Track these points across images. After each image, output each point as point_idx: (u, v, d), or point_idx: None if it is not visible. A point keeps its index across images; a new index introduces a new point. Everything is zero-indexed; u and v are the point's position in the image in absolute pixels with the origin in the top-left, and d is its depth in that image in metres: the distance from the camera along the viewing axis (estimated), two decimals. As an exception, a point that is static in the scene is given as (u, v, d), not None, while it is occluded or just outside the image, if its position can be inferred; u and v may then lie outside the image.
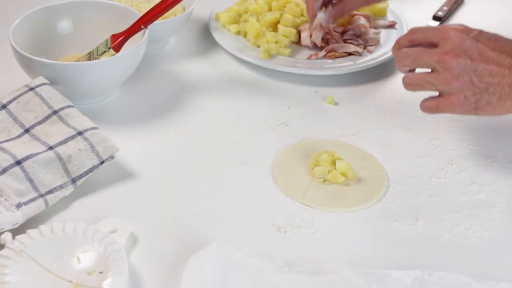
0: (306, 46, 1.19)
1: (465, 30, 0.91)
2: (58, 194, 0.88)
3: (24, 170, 0.88)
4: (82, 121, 0.95)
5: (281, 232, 0.86)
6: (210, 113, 1.07)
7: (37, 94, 0.97)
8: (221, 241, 0.81)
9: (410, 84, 0.94)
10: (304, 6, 1.23)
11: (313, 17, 1.15)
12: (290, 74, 1.14)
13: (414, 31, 0.95)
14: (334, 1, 1.16)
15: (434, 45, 0.92)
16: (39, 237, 0.79)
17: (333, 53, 1.17)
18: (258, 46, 1.18)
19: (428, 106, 0.94)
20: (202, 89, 1.12)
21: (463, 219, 0.89)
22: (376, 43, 1.20)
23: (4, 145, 0.91)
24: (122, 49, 1.06)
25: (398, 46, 0.96)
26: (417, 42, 0.94)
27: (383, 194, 0.92)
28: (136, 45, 1.04)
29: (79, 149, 0.91)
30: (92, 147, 0.92)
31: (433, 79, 0.91)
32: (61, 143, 0.92)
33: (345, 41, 1.19)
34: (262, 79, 1.15)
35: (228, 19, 1.23)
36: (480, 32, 0.91)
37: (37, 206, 0.86)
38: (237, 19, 1.24)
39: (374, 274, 0.78)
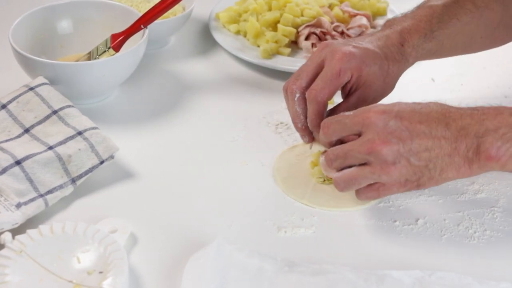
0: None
1: (385, 110, 0.82)
2: (58, 194, 0.88)
3: (24, 170, 0.88)
4: (82, 121, 0.95)
5: (281, 231, 0.86)
6: (210, 112, 1.07)
7: (37, 94, 0.97)
8: (221, 241, 0.81)
9: (346, 186, 0.85)
10: (303, 6, 1.23)
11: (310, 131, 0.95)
12: (290, 73, 1.14)
13: (327, 123, 0.86)
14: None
15: (356, 135, 0.84)
16: (39, 237, 0.79)
17: None
18: (258, 46, 1.18)
19: (367, 196, 0.85)
20: (202, 88, 1.12)
21: (464, 219, 0.89)
22: (376, 42, 1.20)
23: (4, 145, 0.91)
24: (122, 49, 1.06)
25: (322, 144, 0.90)
26: (335, 135, 0.86)
27: (383, 194, 0.92)
28: (136, 45, 1.04)
29: (79, 149, 0.91)
30: (92, 147, 0.92)
31: (368, 173, 0.82)
32: (61, 143, 0.92)
33: (345, 40, 1.19)
34: (262, 79, 1.15)
35: (228, 18, 1.23)
36: (399, 106, 0.83)
37: (37, 206, 0.86)
38: (237, 18, 1.23)
39: (375, 274, 0.78)
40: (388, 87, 0.96)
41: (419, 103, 0.84)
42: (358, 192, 0.86)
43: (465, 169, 0.82)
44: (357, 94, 0.93)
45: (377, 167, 0.81)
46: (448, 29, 0.98)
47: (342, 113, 0.87)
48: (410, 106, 0.84)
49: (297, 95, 0.92)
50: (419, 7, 1.00)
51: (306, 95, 0.91)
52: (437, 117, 0.82)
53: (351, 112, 0.85)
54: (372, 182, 0.84)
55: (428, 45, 0.97)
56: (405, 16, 0.99)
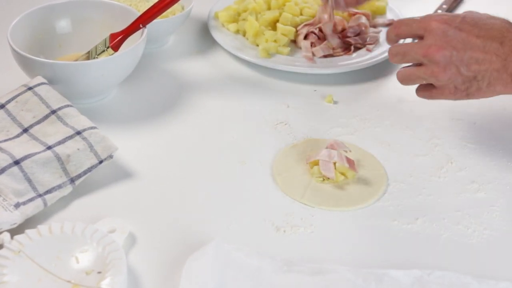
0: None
1: (448, 20, 0.91)
2: (57, 194, 0.88)
3: (22, 170, 0.88)
4: (80, 121, 0.94)
5: (280, 231, 0.86)
6: (209, 112, 1.07)
7: (36, 94, 0.97)
8: (220, 241, 0.81)
9: (403, 80, 0.96)
10: (303, 5, 1.23)
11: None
12: (289, 73, 1.14)
13: (398, 24, 0.96)
14: None
15: (420, 37, 0.93)
16: (38, 237, 0.79)
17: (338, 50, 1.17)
18: (257, 45, 1.18)
19: (422, 95, 0.96)
20: (201, 88, 1.12)
21: (463, 218, 0.88)
22: (376, 41, 1.20)
23: (3, 144, 0.91)
24: (120, 48, 1.06)
25: (388, 39, 0.98)
26: (402, 35, 0.96)
27: (383, 193, 0.92)
28: (134, 44, 1.04)
29: (78, 149, 0.91)
30: (91, 146, 0.92)
31: (422, 73, 0.92)
32: (60, 142, 0.92)
33: (344, 40, 1.19)
34: (261, 78, 1.15)
35: (227, 18, 1.23)
36: (463, 18, 0.91)
37: (36, 206, 0.86)
38: (236, 17, 1.23)
39: (374, 274, 0.78)
40: None
41: (486, 16, 0.91)
42: (417, 89, 0.97)
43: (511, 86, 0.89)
44: None
45: (429, 69, 0.91)
46: None
47: (412, 17, 0.97)
48: (475, 18, 0.91)
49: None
50: None
51: None
52: (495, 35, 0.89)
53: (419, 17, 0.94)
54: (425, 83, 0.94)
55: None
56: None
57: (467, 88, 0.91)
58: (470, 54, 0.89)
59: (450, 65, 0.89)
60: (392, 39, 0.98)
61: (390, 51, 0.96)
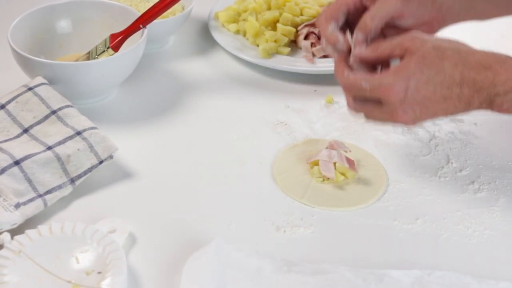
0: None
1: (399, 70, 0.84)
2: (57, 194, 0.88)
3: (22, 170, 0.88)
4: (81, 121, 0.95)
5: (280, 231, 0.86)
6: (209, 112, 1.07)
7: (36, 94, 0.97)
8: (220, 241, 0.81)
9: (356, 113, 0.90)
10: (303, 5, 1.23)
11: (334, 42, 0.92)
12: (289, 73, 1.14)
13: (349, 88, 0.88)
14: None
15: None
16: (38, 237, 0.79)
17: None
18: (257, 45, 1.18)
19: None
20: (201, 88, 1.12)
21: (463, 218, 0.88)
22: (376, 42, 1.19)
23: (3, 145, 0.91)
24: (121, 48, 1.06)
25: (348, 105, 0.91)
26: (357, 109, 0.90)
27: (383, 193, 0.92)
28: (135, 44, 1.04)
29: (78, 149, 0.91)
30: (91, 147, 0.92)
31: (380, 114, 0.88)
32: (60, 143, 0.92)
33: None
34: (261, 78, 1.15)
35: (227, 18, 1.23)
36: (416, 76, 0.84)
37: (36, 206, 0.86)
38: (236, 18, 1.23)
39: (374, 274, 0.78)
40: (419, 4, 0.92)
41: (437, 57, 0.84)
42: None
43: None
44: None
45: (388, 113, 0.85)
46: None
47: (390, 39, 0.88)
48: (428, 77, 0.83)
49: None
50: None
51: None
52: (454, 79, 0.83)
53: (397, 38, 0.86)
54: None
55: None
56: None
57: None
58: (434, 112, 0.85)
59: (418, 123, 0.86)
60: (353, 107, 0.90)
61: (355, 111, 0.90)
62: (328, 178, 0.93)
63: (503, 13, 0.98)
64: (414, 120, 0.85)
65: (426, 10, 0.92)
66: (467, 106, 0.84)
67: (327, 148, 0.95)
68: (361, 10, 0.92)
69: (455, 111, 0.85)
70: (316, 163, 0.95)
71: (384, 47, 0.87)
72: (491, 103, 0.83)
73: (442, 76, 0.83)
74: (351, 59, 0.90)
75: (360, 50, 0.89)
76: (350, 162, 0.94)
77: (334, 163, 0.93)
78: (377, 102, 0.86)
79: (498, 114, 0.84)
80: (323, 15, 0.92)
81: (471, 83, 0.82)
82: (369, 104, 0.87)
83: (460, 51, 0.84)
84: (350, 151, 0.96)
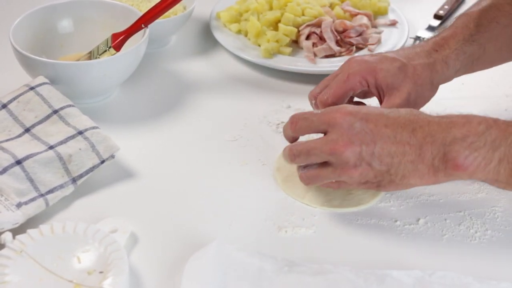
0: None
1: (352, 112, 0.82)
2: (59, 194, 0.88)
3: (24, 170, 0.88)
4: (82, 121, 0.95)
5: (281, 231, 0.86)
6: (210, 112, 1.07)
7: (38, 94, 0.97)
8: (221, 241, 0.81)
9: (308, 182, 0.87)
10: (304, 5, 1.23)
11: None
12: (290, 73, 1.14)
13: (296, 119, 0.86)
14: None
15: (323, 132, 0.84)
16: (39, 237, 0.79)
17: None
18: (259, 45, 1.18)
19: (330, 186, 0.87)
20: (202, 88, 1.12)
21: (465, 219, 0.88)
22: (377, 42, 1.20)
23: (4, 144, 0.91)
24: (122, 48, 1.06)
25: (285, 135, 0.89)
26: (302, 131, 0.87)
27: (384, 194, 0.92)
28: (136, 44, 1.04)
29: (80, 149, 0.91)
30: (93, 146, 0.92)
31: (330, 173, 0.83)
32: (62, 142, 0.92)
33: (346, 40, 1.19)
34: (262, 78, 1.15)
35: (229, 18, 1.23)
36: (367, 109, 0.84)
37: (38, 206, 0.86)
38: (238, 18, 1.23)
39: (375, 274, 0.78)
40: (424, 90, 0.94)
41: (389, 108, 0.85)
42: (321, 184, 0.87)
43: (429, 177, 0.81)
44: (387, 100, 0.92)
45: (338, 168, 0.82)
46: (488, 32, 0.96)
47: (312, 110, 0.89)
48: (379, 109, 0.84)
49: (313, 102, 0.95)
50: (456, 18, 0.99)
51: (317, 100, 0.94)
52: (404, 123, 0.81)
53: (319, 111, 0.86)
54: (334, 180, 0.85)
55: (468, 49, 0.95)
56: (443, 29, 0.99)
57: (379, 182, 0.83)
58: (381, 146, 0.80)
59: (360, 161, 0.81)
60: (289, 136, 0.89)
61: (289, 151, 0.85)
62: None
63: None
64: (358, 155, 0.81)
65: (432, 93, 0.96)
66: (418, 151, 0.80)
67: None
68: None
69: (403, 158, 0.81)
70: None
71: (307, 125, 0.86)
72: (445, 155, 0.80)
73: (392, 119, 0.82)
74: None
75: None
76: None
77: None
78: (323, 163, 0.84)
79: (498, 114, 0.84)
80: (329, 97, 0.92)
81: (423, 133, 0.81)
82: (317, 166, 0.85)
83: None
84: None
